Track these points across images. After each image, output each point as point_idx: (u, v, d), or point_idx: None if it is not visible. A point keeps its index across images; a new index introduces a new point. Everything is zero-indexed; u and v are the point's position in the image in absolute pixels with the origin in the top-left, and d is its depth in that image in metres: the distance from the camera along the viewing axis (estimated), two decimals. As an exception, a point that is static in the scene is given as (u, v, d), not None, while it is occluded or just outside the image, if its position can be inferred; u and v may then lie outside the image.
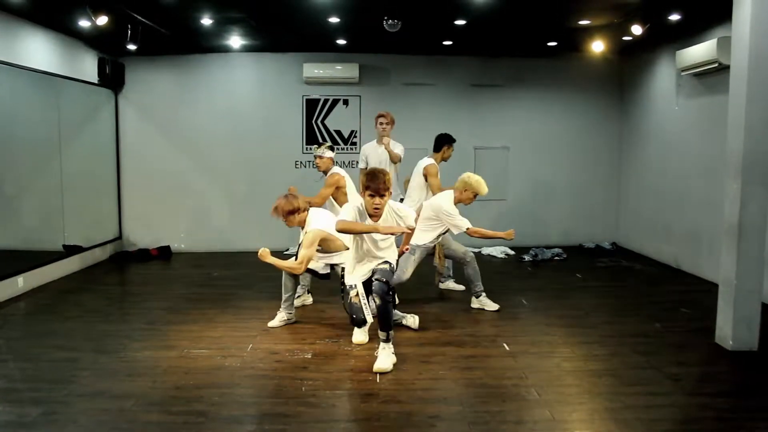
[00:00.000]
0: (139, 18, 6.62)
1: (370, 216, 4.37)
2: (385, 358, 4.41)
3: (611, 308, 6.10)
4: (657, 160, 8.43)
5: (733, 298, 4.76)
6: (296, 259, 5.15)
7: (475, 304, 6.02)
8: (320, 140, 9.17)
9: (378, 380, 4.22)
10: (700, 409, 3.78)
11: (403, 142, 6.88)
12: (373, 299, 4.37)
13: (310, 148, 9.22)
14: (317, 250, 5.21)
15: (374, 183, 4.25)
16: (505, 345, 4.94)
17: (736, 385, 4.24)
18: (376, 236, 4.42)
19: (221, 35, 7.99)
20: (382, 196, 4.28)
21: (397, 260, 4.79)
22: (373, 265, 4.53)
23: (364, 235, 4.42)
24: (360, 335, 5.01)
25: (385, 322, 4.39)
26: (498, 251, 8.99)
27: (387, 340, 4.44)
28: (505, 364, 4.53)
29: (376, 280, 4.38)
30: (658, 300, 6.43)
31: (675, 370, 4.40)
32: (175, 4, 6.31)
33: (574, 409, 3.81)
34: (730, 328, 4.79)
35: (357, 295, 4.47)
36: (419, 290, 6.64)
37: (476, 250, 9.22)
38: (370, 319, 4.44)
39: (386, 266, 4.49)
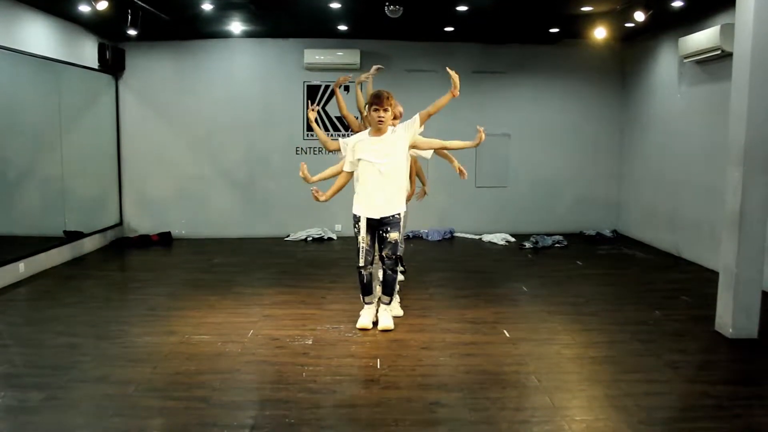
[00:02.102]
0: (140, 3, 6.57)
1: (374, 131, 4.88)
2: (387, 318, 5.03)
3: (611, 296, 6.11)
4: (658, 147, 8.41)
5: (733, 286, 4.76)
6: None
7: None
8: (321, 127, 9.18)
9: (378, 366, 4.23)
10: (700, 397, 3.79)
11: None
12: (381, 269, 5.06)
13: (310, 135, 9.20)
14: None
15: (378, 99, 4.81)
16: (505, 332, 4.95)
17: (735, 372, 4.26)
18: (383, 168, 4.83)
19: (222, 21, 7.95)
20: (386, 110, 4.80)
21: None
22: (381, 201, 4.86)
23: (370, 168, 4.86)
24: (365, 319, 5.05)
25: (389, 290, 5.08)
26: (499, 238, 8.98)
27: (388, 304, 5.10)
28: (505, 351, 4.54)
29: (388, 258, 4.97)
30: (658, 288, 6.44)
31: (675, 357, 4.41)
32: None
33: (574, 395, 3.82)
34: (730, 316, 4.80)
35: (364, 241, 4.95)
36: (419, 278, 6.65)
37: (477, 236, 9.24)
38: (362, 263, 4.96)
39: (396, 235, 4.92)
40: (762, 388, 3.96)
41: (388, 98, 4.86)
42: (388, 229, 4.92)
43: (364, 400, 3.76)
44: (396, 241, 4.94)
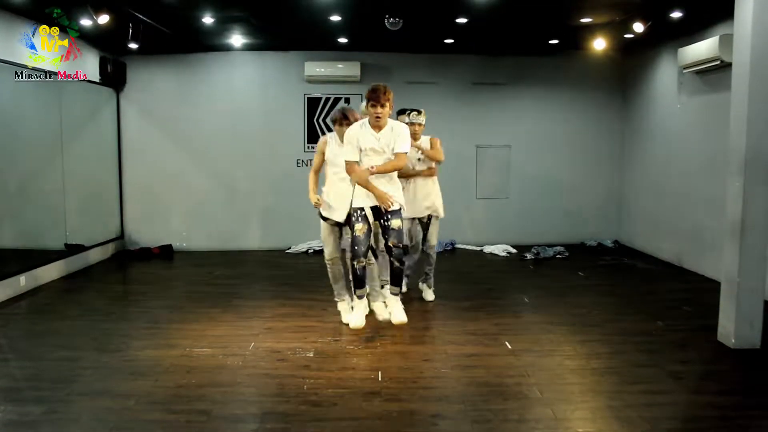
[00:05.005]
0: (141, 17, 6.62)
1: (373, 127, 4.70)
2: (400, 311, 4.81)
3: (613, 306, 6.09)
4: (659, 157, 8.42)
5: (735, 295, 4.75)
6: None
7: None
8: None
9: (380, 378, 4.22)
10: (703, 408, 3.78)
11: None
12: (390, 261, 4.84)
13: (312, 147, 9.22)
14: None
15: (375, 94, 4.64)
16: (507, 343, 4.93)
17: (738, 383, 4.23)
18: (384, 158, 4.71)
19: (223, 34, 7.99)
20: (383, 106, 4.64)
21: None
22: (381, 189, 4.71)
23: (372, 159, 4.72)
24: (357, 317, 4.88)
25: (398, 280, 4.87)
26: (500, 249, 8.98)
27: (398, 294, 4.89)
28: (507, 363, 4.52)
29: (395, 246, 4.73)
30: (660, 298, 6.42)
31: (677, 368, 4.39)
32: (176, 3, 6.31)
33: (577, 407, 3.80)
34: (732, 326, 4.78)
35: (360, 231, 4.75)
36: (420, 290, 6.64)
37: (478, 248, 9.24)
38: (371, 260, 4.92)
39: (398, 222, 4.72)
40: (766, 398, 3.94)
41: (385, 93, 4.65)
42: (389, 217, 4.71)
43: (365, 412, 3.74)
44: (400, 228, 4.72)
